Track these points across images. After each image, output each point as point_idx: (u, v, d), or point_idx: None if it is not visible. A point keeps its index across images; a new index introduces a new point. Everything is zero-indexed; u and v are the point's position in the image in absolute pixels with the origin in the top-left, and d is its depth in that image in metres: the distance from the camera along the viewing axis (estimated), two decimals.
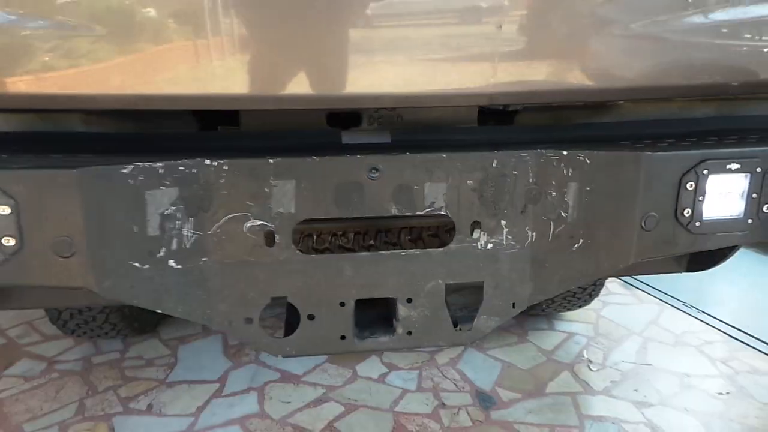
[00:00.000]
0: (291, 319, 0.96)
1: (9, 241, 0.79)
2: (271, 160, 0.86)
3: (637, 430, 2.00)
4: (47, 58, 0.85)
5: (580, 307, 2.66)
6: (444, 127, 1.05)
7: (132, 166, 0.81)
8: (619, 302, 2.99)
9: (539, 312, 2.68)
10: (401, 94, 0.92)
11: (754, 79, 0.97)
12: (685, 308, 2.92)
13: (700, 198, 0.96)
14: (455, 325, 1.00)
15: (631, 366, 2.43)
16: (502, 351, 2.50)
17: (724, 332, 2.66)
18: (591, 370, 2.40)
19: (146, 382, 2.31)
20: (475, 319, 1.00)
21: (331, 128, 1.05)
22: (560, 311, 2.73)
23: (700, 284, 3.11)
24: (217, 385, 2.28)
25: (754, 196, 0.97)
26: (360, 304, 0.97)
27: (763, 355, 2.49)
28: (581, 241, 0.96)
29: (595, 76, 0.96)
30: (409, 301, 0.97)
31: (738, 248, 1.26)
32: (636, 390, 2.26)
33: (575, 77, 0.96)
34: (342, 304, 0.95)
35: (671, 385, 2.28)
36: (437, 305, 0.97)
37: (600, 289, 2.54)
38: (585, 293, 2.47)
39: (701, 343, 2.58)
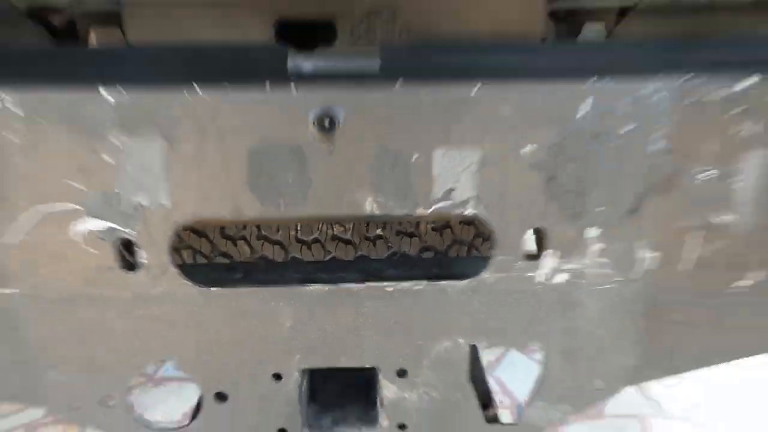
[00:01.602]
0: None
1: None
2: (106, 94, 0.41)
3: None
4: None
5: None
6: (483, 44, 0.56)
7: None
8: None
9: None
10: None
11: None
12: None
13: None
14: (487, 408, 0.56)
15: (717, 383, 1.96)
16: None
17: None
18: (664, 386, 1.96)
19: None
20: (528, 407, 0.56)
21: (280, 45, 0.58)
22: None
23: None
24: None
25: None
26: (320, 376, 0.54)
27: None
28: (761, 272, 0.47)
29: None
30: (402, 374, 0.52)
31: None
32: (725, 417, 1.79)
33: None
34: (278, 377, 0.51)
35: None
36: (455, 382, 0.52)
37: None
38: None
39: None
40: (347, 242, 0.69)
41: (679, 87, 0.43)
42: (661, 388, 1.93)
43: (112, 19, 0.62)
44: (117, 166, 0.44)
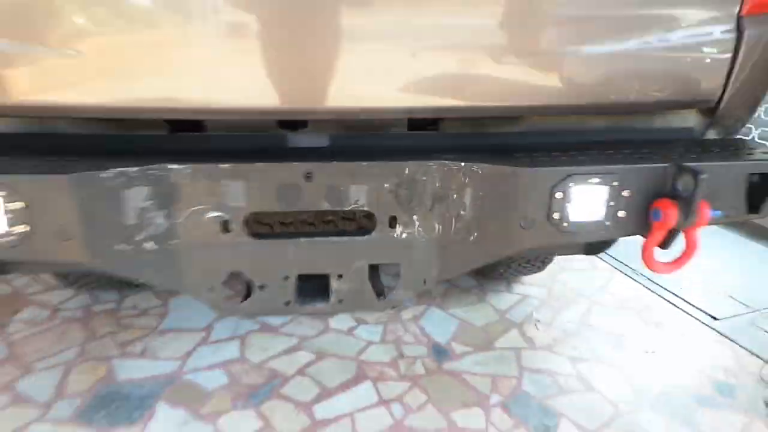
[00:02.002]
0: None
1: (24, 228, 1.03)
2: (223, 166, 1.08)
3: (568, 382, 2.29)
4: (47, 75, 1.07)
5: (535, 272, 2.92)
6: (376, 134, 1.27)
7: (111, 173, 1.04)
8: (576, 268, 3.25)
9: (499, 275, 2.93)
10: (334, 108, 1.15)
11: (625, 101, 1.20)
12: (634, 275, 3.17)
13: (567, 204, 1.18)
14: (379, 295, 1.26)
15: (574, 326, 2.70)
16: (461, 310, 2.77)
17: (664, 299, 2.93)
18: (537, 329, 2.67)
19: (140, 329, 2.58)
20: (394, 291, 1.25)
21: (281, 131, 1.26)
22: (518, 275, 2.98)
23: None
24: (204, 333, 2.56)
25: (611, 204, 1.20)
26: (303, 278, 1.23)
27: (696, 320, 2.76)
28: (476, 234, 1.20)
29: (495, 97, 1.18)
30: (340, 276, 1.22)
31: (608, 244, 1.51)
32: (574, 347, 2.54)
33: (480, 98, 1.17)
34: (286, 278, 1.20)
35: (606, 344, 2.56)
36: (362, 280, 1.22)
37: (551, 259, 2.79)
38: (538, 261, 2.73)
39: (641, 308, 2.85)
40: (310, 224, 1.35)
41: (442, 164, 1.14)
42: (535, 330, 2.65)
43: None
44: (225, 191, 1.12)
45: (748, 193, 1.21)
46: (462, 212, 1.18)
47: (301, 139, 1.25)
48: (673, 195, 1.17)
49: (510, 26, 1.13)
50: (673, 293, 2.96)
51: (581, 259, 3.32)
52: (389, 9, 1.10)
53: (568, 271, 3.21)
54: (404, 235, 1.19)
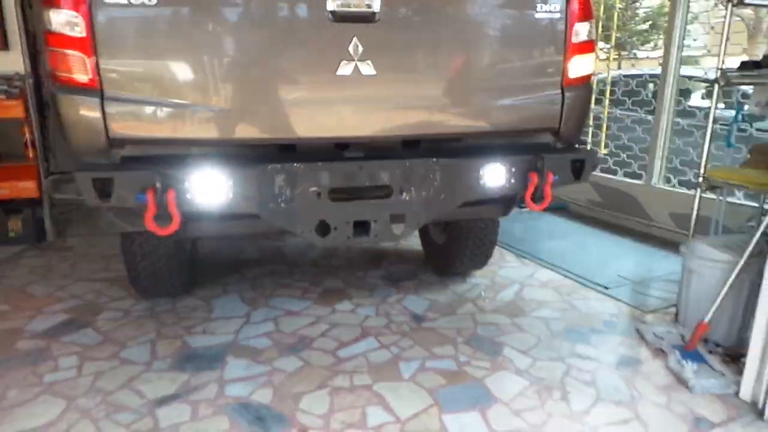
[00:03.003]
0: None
1: (230, 195, 2.07)
2: (318, 164, 2.17)
3: (507, 328, 3.35)
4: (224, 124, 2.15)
5: (481, 266, 4.05)
6: (387, 149, 2.40)
7: (272, 166, 2.11)
8: (511, 266, 4.39)
9: (455, 271, 4.04)
10: (362, 135, 2.28)
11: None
12: (553, 268, 4.33)
13: (487, 176, 2.36)
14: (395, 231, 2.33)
15: (510, 299, 3.79)
16: (431, 294, 3.82)
17: (572, 279, 4.10)
18: (485, 301, 3.74)
19: (197, 318, 3.47)
20: (402, 229, 2.33)
21: (337, 149, 2.38)
22: (470, 270, 4.10)
23: (565, 252, 4.57)
24: (245, 318, 3.47)
25: (507, 175, 2.37)
26: (356, 223, 2.29)
27: (594, 291, 3.93)
28: (443, 195, 2.32)
29: (442, 129, 2.36)
30: (375, 221, 2.29)
31: (512, 204, 2.71)
32: (510, 310, 3.61)
33: (435, 129, 2.35)
34: (348, 223, 2.26)
35: (532, 307, 3.66)
36: (386, 223, 2.30)
37: (491, 254, 3.93)
38: (482, 255, 3.87)
39: (557, 286, 3.99)
40: (361, 193, 2.40)
41: (425, 161, 2.28)
42: (483, 302, 3.70)
43: None
44: (319, 177, 2.19)
45: (573, 170, 2.42)
46: (436, 183, 2.30)
47: (350, 154, 2.36)
48: (536, 170, 2.35)
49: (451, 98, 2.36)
50: (580, 276, 4.13)
51: (514, 260, 4.48)
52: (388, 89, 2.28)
53: (505, 268, 4.34)
54: (407, 198, 2.29)
